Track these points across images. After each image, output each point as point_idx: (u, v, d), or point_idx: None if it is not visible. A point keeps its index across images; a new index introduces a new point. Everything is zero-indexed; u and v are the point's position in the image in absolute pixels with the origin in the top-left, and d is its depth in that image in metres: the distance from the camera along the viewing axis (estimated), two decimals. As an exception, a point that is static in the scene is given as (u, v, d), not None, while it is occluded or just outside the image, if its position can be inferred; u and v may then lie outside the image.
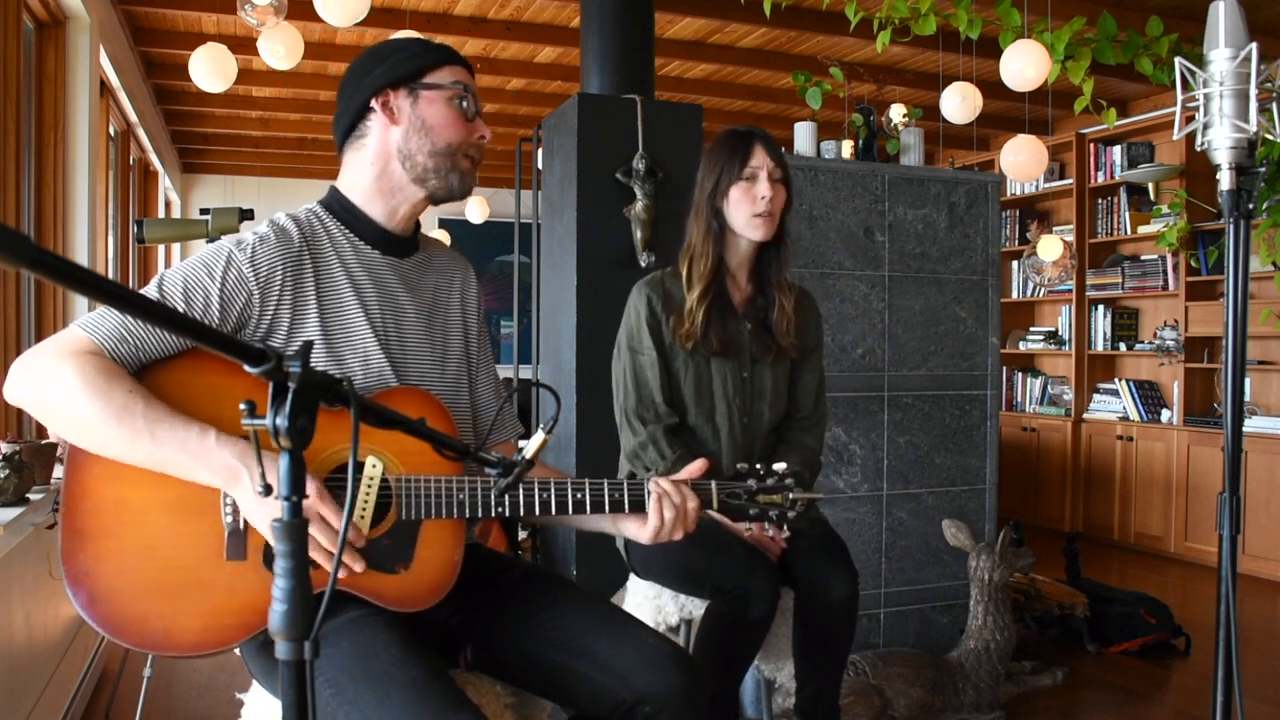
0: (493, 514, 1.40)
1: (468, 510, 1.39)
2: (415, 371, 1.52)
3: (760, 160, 2.12)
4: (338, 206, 1.52)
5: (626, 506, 1.47)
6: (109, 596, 1.25)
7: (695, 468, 1.53)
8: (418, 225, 1.62)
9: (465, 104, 1.51)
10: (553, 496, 1.43)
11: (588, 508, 1.45)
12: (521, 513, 1.42)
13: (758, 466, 1.56)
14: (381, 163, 1.50)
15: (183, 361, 1.34)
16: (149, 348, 1.30)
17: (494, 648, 1.50)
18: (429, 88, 1.49)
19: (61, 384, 1.24)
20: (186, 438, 1.24)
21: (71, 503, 1.27)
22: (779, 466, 1.56)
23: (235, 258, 1.38)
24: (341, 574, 1.31)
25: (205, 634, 1.27)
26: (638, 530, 1.49)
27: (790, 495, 1.55)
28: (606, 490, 1.46)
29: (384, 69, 1.49)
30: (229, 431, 1.29)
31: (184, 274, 1.36)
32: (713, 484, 1.53)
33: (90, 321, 1.29)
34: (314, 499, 1.26)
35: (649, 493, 1.47)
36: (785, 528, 1.54)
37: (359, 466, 1.34)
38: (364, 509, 1.34)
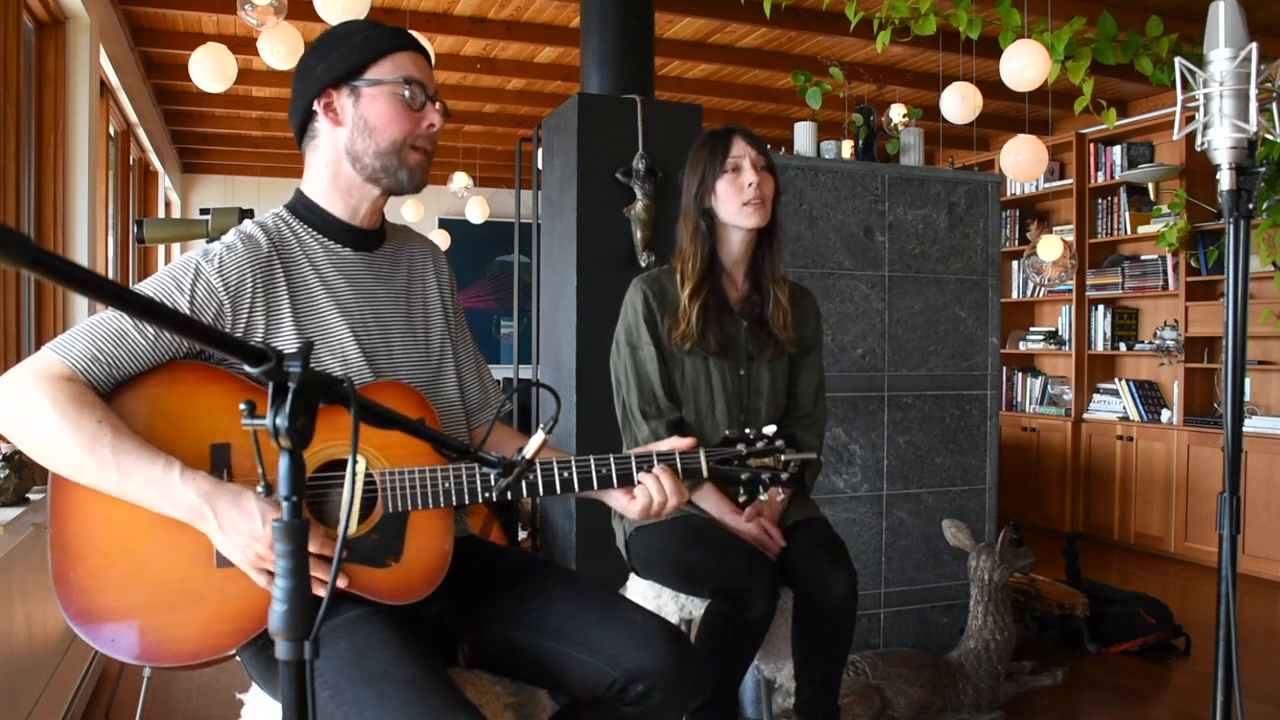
0: (479, 500, 1.40)
1: (454, 499, 1.39)
2: (398, 364, 1.51)
3: (741, 150, 2.14)
4: (302, 208, 1.52)
5: (615, 482, 1.48)
6: (102, 614, 1.25)
7: (685, 443, 1.53)
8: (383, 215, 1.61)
9: (409, 94, 1.46)
10: (539, 478, 1.43)
11: (576, 486, 1.46)
12: (510, 497, 1.42)
13: (747, 431, 1.55)
14: (334, 165, 1.49)
15: (158, 376, 1.33)
16: (121, 364, 1.30)
17: (488, 641, 1.50)
18: (371, 84, 1.45)
19: (34, 411, 1.24)
20: (151, 473, 1.24)
21: (59, 522, 1.27)
22: (768, 430, 1.55)
23: (203, 269, 1.37)
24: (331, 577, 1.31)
25: (200, 643, 1.27)
26: (626, 504, 1.51)
27: (781, 457, 1.54)
28: (593, 466, 1.47)
29: (325, 67, 1.47)
30: (208, 441, 1.29)
31: (153, 289, 1.36)
32: (701, 451, 1.52)
33: (61, 344, 1.29)
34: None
35: (641, 468, 1.48)
36: (780, 490, 1.53)
37: (341, 464, 1.35)
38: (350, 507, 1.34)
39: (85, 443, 1.22)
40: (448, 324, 1.64)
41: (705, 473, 1.52)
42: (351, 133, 1.47)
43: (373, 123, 1.46)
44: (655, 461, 1.50)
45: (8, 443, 2.43)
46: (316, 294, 1.46)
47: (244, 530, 1.23)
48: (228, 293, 1.38)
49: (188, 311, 1.34)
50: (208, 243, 1.42)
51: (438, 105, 1.50)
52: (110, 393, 1.30)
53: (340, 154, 1.48)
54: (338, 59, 1.46)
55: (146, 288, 1.36)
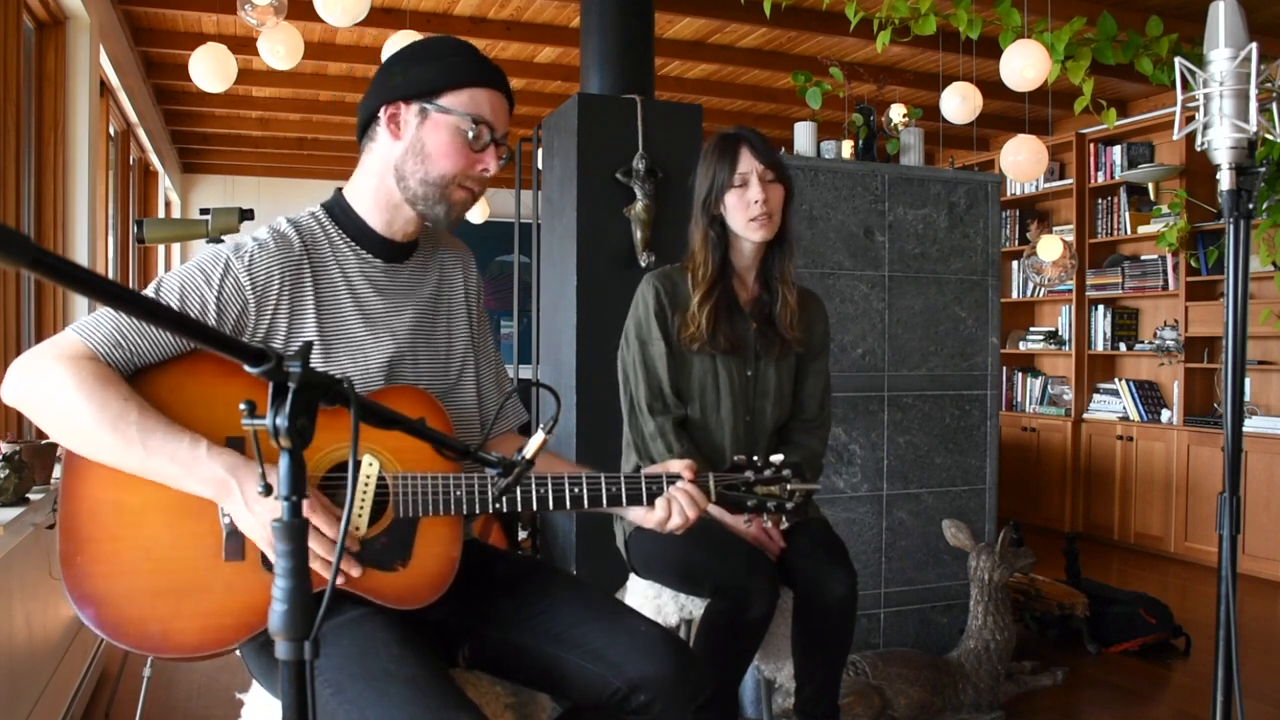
0: (490, 510, 1.40)
1: (465, 507, 1.39)
2: (419, 374, 1.52)
3: (748, 165, 2.12)
4: (340, 212, 1.51)
5: (624, 501, 1.48)
6: (108, 599, 1.25)
7: (689, 472, 1.54)
8: None
9: (474, 134, 1.44)
10: (550, 492, 1.43)
11: (585, 503, 1.46)
12: (519, 508, 1.42)
13: (754, 459, 1.59)
14: (381, 175, 1.48)
15: (177, 366, 1.34)
16: (143, 352, 1.31)
17: (489, 643, 1.50)
18: (441, 110, 1.44)
19: (57, 388, 1.24)
20: (177, 449, 1.24)
21: (69, 506, 1.27)
22: (776, 459, 1.59)
23: (233, 265, 1.38)
24: (339, 579, 1.31)
25: (204, 635, 1.27)
26: (643, 515, 1.51)
27: (788, 486, 1.57)
28: (604, 484, 1.47)
29: (404, 78, 1.45)
30: (223, 434, 1.29)
31: (181, 279, 1.36)
32: (711, 476, 1.55)
33: (85, 326, 1.29)
34: (306, 509, 1.26)
35: (667, 483, 1.50)
36: (785, 519, 1.57)
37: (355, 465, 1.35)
38: (361, 507, 1.34)
39: (110, 419, 1.23)
40: (471, 332, 1.64)
41: (713, 496, 1.54)
42: (406, 151, 1.45)
43: (428, 149, 1.44)
44: (682, 479, 1.51)
45: (9, 442, 2.44)
46: (342, 300, 1.46)
47: (270, 505, 1.24)
48: (254, 291, 1.38)
49: (214, 305, 1.35)
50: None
51: (501, 150, 1.48)
52: (129, 379, 1.30)
53: (389, 167, 1.47)
54: (419, 74, 1.45)
55: (175, 277, 1.36)
